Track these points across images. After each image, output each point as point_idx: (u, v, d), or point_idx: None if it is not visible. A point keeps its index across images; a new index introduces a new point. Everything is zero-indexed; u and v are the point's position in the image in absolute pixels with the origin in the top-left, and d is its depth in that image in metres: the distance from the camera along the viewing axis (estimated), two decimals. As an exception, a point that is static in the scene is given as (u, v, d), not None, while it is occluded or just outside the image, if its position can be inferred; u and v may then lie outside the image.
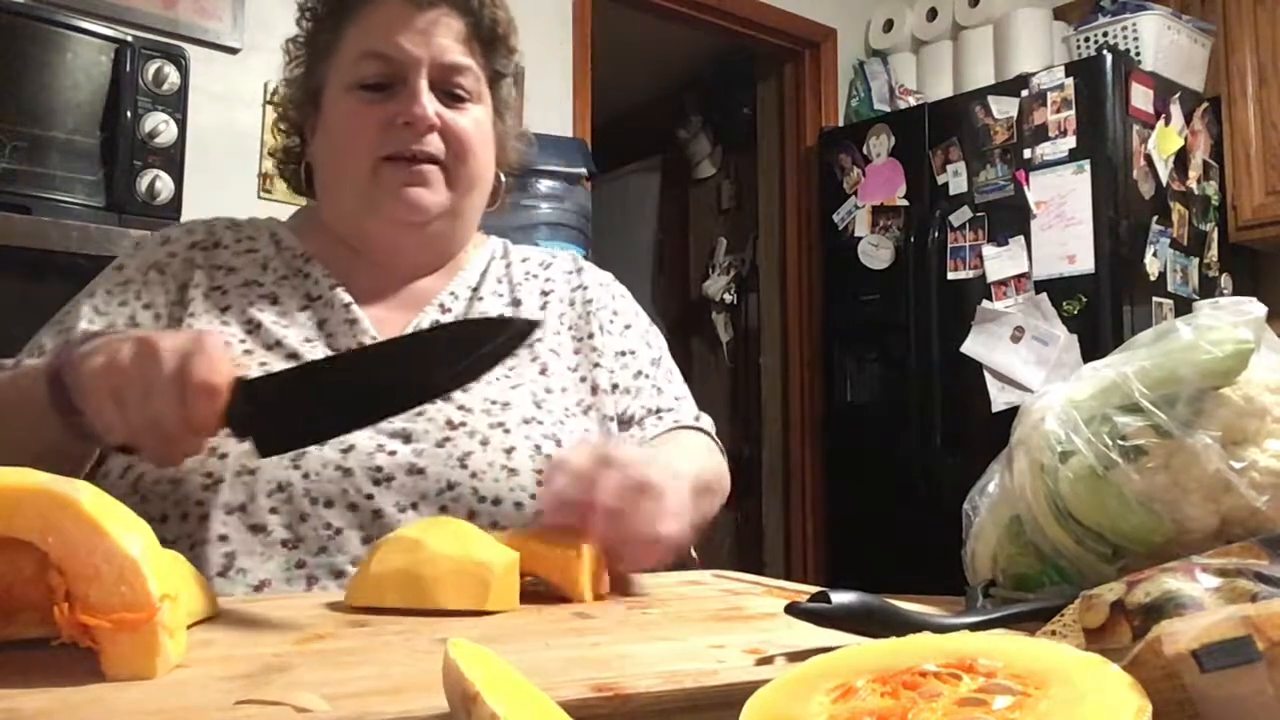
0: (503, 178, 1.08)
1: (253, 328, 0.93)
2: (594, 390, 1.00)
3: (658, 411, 1.03)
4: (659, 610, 0.65)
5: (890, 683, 0.35)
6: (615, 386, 1.02)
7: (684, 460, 0.90)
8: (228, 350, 0.74)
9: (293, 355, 0.91)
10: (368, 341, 0.93)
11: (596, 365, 1.02)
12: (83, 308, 0.94)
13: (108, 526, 0.42)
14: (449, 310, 1.01)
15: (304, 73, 1.02)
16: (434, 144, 0.95)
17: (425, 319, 0.99)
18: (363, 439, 0.85)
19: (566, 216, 2.71)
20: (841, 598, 0.50)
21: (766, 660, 0.49)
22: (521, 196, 2.67)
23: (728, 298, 4.57)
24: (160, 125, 1.94)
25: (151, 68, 1.95)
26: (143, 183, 1.92)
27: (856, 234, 3.44)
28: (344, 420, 0.74)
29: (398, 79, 0.95)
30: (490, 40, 1.00)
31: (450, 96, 0.97)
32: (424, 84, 0.94)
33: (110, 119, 1.90)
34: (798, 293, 3.80)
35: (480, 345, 0.72)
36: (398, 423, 0.86)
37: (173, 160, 1.97)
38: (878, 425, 3.33)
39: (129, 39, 1.95)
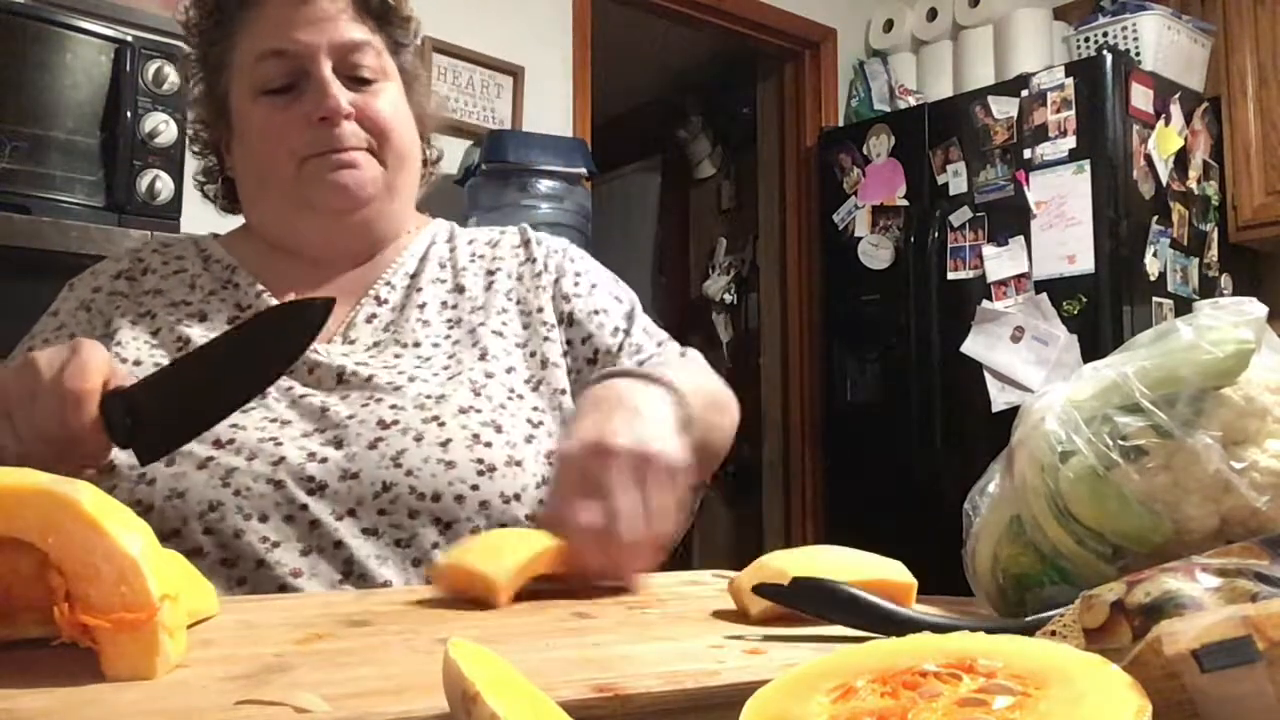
0: (427, 150, 1.07)
1: (182, 345, 0.92)
2: (544, 364, 0.97)
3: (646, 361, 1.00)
4: (659, 610, 0.65)
5: (890, 683, 0.35)
6: (589, 352, 1.00)
7: (681, 375, 0.87)
8: (106, 359, 0.74)
9: None
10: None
11: (546, 339, 0.98)
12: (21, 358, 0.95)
13: (108, 526, 0.42)
14: (385, 302, 0.98)
15: (206, 90, 1.01)
16: (355, 134, 0.94)
17: (360, 314, 0.97)
18: (292, 450, 0.83)
19: (566, 216, 2.71)
20: (807, 582, 0.56)
21: (766, 660, 0.49)
22: (521, 196, 2.67)
23: (728, 298, 4.57)
24: (160, 125, 1.94)
25: (151, 68, 1.95)
26: (143, 183, 1.92)
27: (856, 234, 3.44)
28: (210, 411, 0.77)
29: (300, 74, 0.93)
30: (381, 12, 0.98)
31: (357, 81, 0.95)
32: (328, 73, 0.93)
33: (110, 119, 1.90)
34: (798, 293, 3.80)
35: (289, 329, 0.77)
36: (329, 430, 0.85)
37: (173, 160, 1.96)
38: (878, 425, 3.33)
39: (129, 39, 1.95)
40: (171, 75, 1.97)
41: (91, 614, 0.42)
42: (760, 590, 0.58)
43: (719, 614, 0.63)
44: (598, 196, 3.12)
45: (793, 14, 3.71)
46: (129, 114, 1.91)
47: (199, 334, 0.93)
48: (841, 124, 3.75)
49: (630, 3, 3.35)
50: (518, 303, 1.01)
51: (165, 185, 1.94)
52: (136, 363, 0.90)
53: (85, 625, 0.42)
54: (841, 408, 3.48)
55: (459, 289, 1.01)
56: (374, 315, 0.97)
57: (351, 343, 0.95)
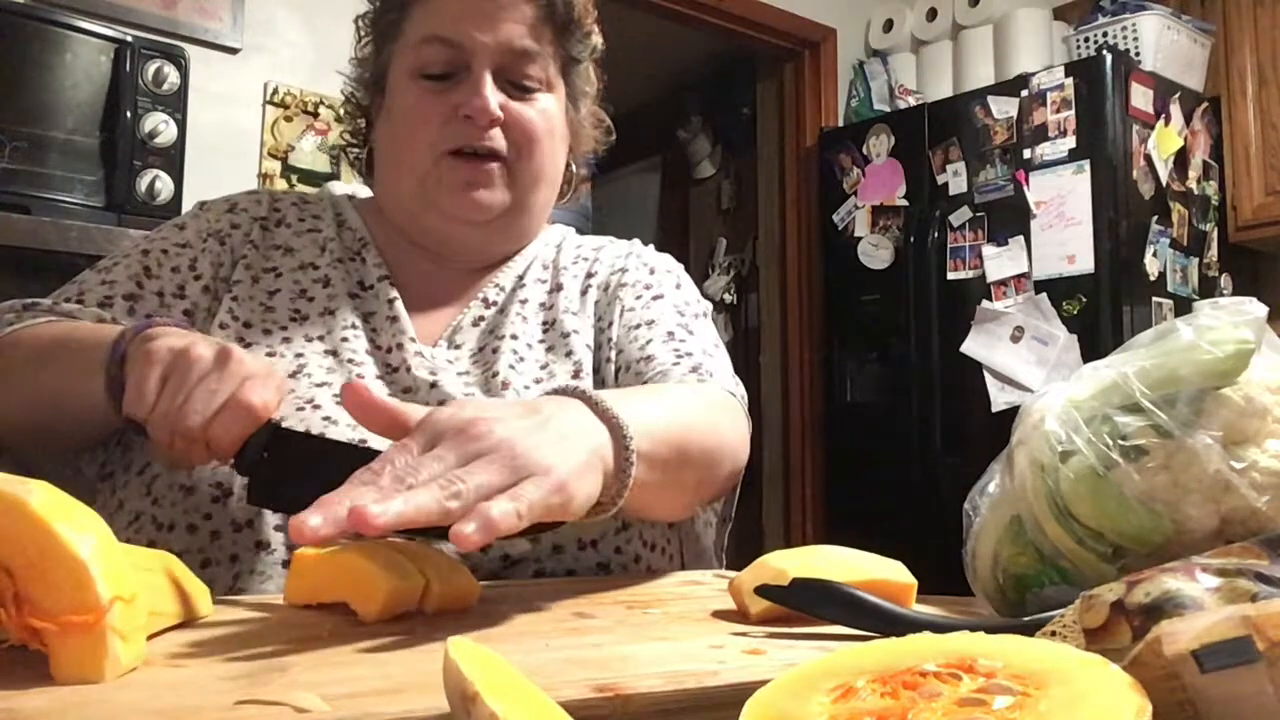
0: (574, 168, 1.04)
1: (298, 317, 0.91)
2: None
3: (676, 362, 0.91)
4: (659, 610, 0.65)
5: (890, 683, 0.35)
6: (625, 368, 0.93)
7: (650, 406, 0.73)
8: (286, 391, 0.71)
9: (332, 353, 0.88)
10: (407, 342, 0.90)
11: (608, 360, 0.95)
12: (134, 263, 0.92)
13: (56, 528, 0.41)
14: (493, 304, 0.97)
15: (371, 54, 0.99)
16: (496, 139, 0.91)
17: (466, 318, 0.95)
18: (383, 446, 0.80)
19: (566, 216, 2.70)
20: (807, 582, 0.56)
21: (766, 660, 0.49)
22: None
23: (728, 298, 4.57)
24: (160, 125, 1.95)
25: (151, 68, 1.95)
26: (142, 183, 1.92)
27: (856, 234, 3.44)
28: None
29: (461, 66, 0.91)
30: (564, 24, 0.95)
31: (517, 87, 0.93)
32: (488, 74, 0.90)
33: (110, 119, 1.91)
34: (798, 293, 3.80)
35: None
36: None
37: (172, 160, 1.97)
38: (878, 425, 3.33)
39: (129, 39, 1.95)
40: (172, 75, 1.97)
41: (41, 616, 0.41)
42: (760, 590, 0.58)
43: (719, 614, 0.63)
44: (598, 196, 3.12)
45: (792, 14, 3.71)
46: (129, 114, 1.91)
47: (318, 306, 0.91)
48: (841, 124, 3.75)
49: (630, 3, 3.35)
50: (598, 319, 0.98)
51: (165, 185, 1.94)
52: (246, 324, 0.89)
53: (34, 627, 0.41)
54: (841, 408, 3.47)
55: (558, 287, 0.99)
56: (480, 318, 0.96)
57: (457, 347, 0.93)
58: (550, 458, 0.58)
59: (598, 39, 1.01)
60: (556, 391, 0.67)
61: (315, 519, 0.51)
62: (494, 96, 0.90)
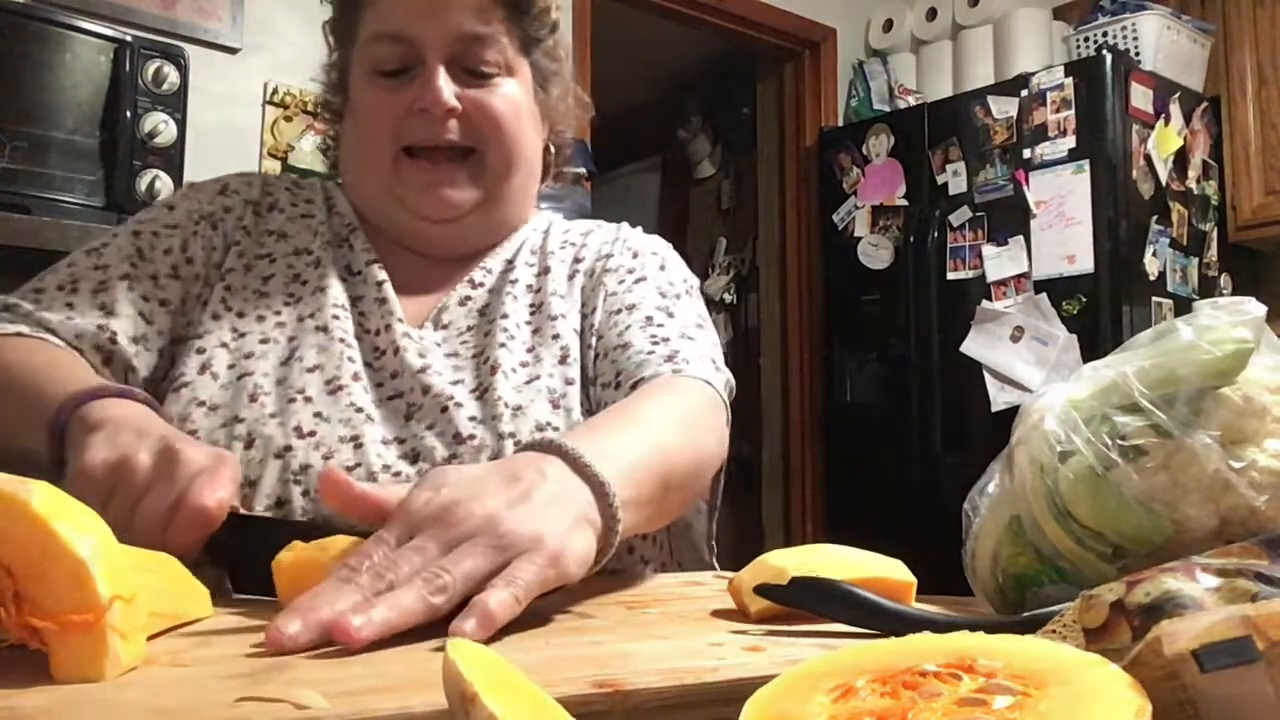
0: (553, 150, 1.03)
1: (291, 300, 0.90)
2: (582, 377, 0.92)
3: (651, 350, 0.88)
4: (659, 610, 0.65)
5: (890, 683, 0.35)
6: (603, 355, 0.91)
7: (625, 439, 0.70)
8: (239, 473, 0.68)
9: (323, 329, 0.88)
10: (395, 323, 0.90)
11: (589, 347, 0.93)
12: (126, 244, 0.90)
13: (57, 527, 0.41)
14: (480, 285, 0.96)
15: (337, 57, 0.99)
16: (455, 131, 0.90)
17: (452, 299, 0.94)
18: (370, 456, 0.81)
19: (566, 216, 2.70)
20: (806, 580, 0.56)
21: (765, 657, 0.49)
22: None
23: (728, 298, 4.58)
24: (160, 125, 1.95)
25: (151, 68, 1.95)
26: (142, 183, 1.92)
27: (856, 234, 3.44)
28: None
29: (415, 61, 0.90)
30: (515, 3, 0.93)
31: (475, 74, 0.91)
32: (440, 66, 0.89)
33: (110, 119, 1.91)
34: (798, 293, 3.80)
35: None
36: (409, 440, 0.83)
37: (172, 160, 1.97)
38: (878, 425, 3.33)
39: (129, 39, 1.95)
40: (171, 75, 1.97)
41: (41, 615, 0.41)
42: (760, 589, 0.58)
43: (719, 613, 0.63)
44: (598, 196, 3.12)
45: (792, 14, 3.71)
46: (129, 114, 1.91)
47: (310, 289, 0.91)
48: (841, 124, 3.75)
49: (630, 3, 3.35)
50: (583, 304, 0.97)
51: (165, 185, 1.94)
52: (240, 314, 0.88)
53: (33, 626, 0.41)
54: (841, 408, 3.48)
55: (545, 270, 0.98)
56: (468, 298, 0.95)
57: (444, 328, 0.93)
58: (537, 527, 0.55)
59: (556, 14, 0.98)
60: (532, 446, 0.64)
61: (294, 626, 0.48)
62: (448, 87, 0.89)
